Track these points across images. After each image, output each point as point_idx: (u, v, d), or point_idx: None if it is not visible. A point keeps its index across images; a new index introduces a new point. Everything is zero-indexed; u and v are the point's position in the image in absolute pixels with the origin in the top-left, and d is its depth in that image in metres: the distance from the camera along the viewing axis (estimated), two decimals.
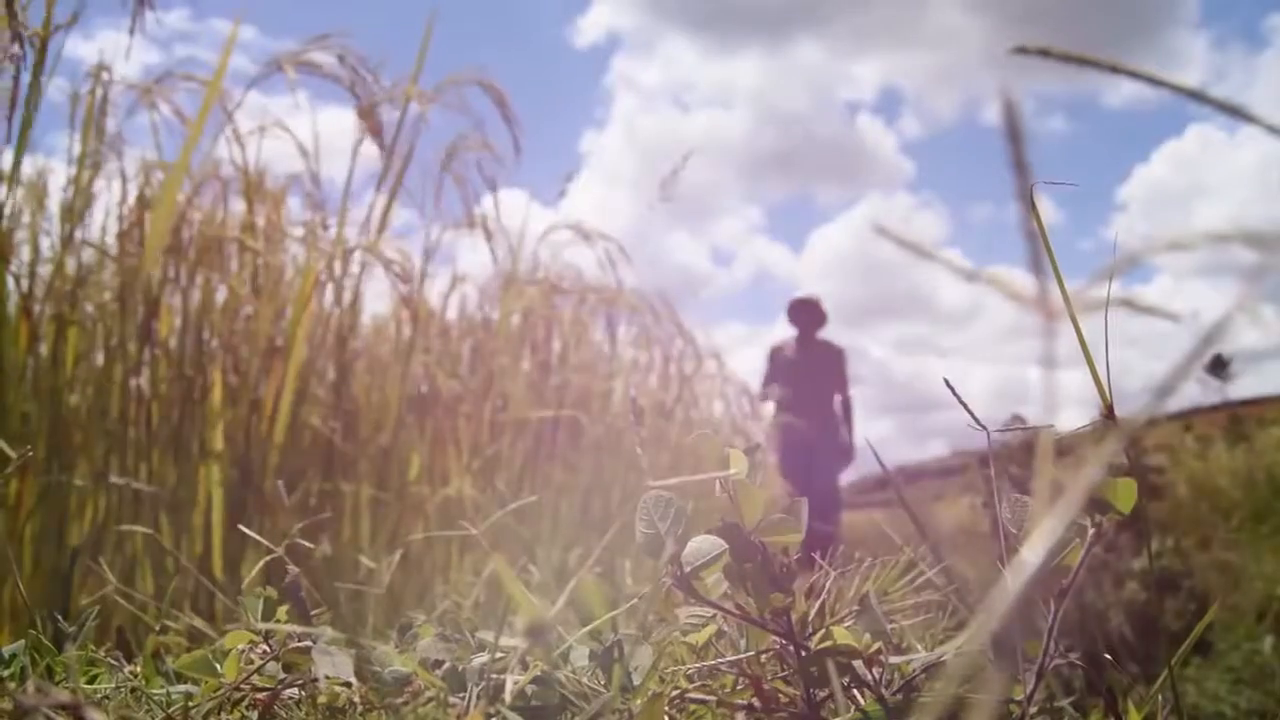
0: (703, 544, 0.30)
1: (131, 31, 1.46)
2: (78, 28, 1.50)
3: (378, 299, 2.95)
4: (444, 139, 2.13)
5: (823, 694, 0.33)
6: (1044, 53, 0.16)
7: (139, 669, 0.59)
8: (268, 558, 0.63)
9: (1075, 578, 0.24)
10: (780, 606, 0.32)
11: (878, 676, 0.31)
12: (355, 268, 2.09)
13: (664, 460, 2.96)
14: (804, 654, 0.32)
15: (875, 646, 0.30)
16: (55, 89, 1.49)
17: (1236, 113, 0.17)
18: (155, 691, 0.54)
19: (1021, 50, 0.16)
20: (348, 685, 0.43)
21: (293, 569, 0.57)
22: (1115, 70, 0.17)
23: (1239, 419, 3.95)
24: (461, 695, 0.37)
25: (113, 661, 0.60)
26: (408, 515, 2.17)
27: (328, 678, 0.41)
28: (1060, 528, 0.11)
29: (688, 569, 0.30)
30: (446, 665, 0.37)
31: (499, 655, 0.33)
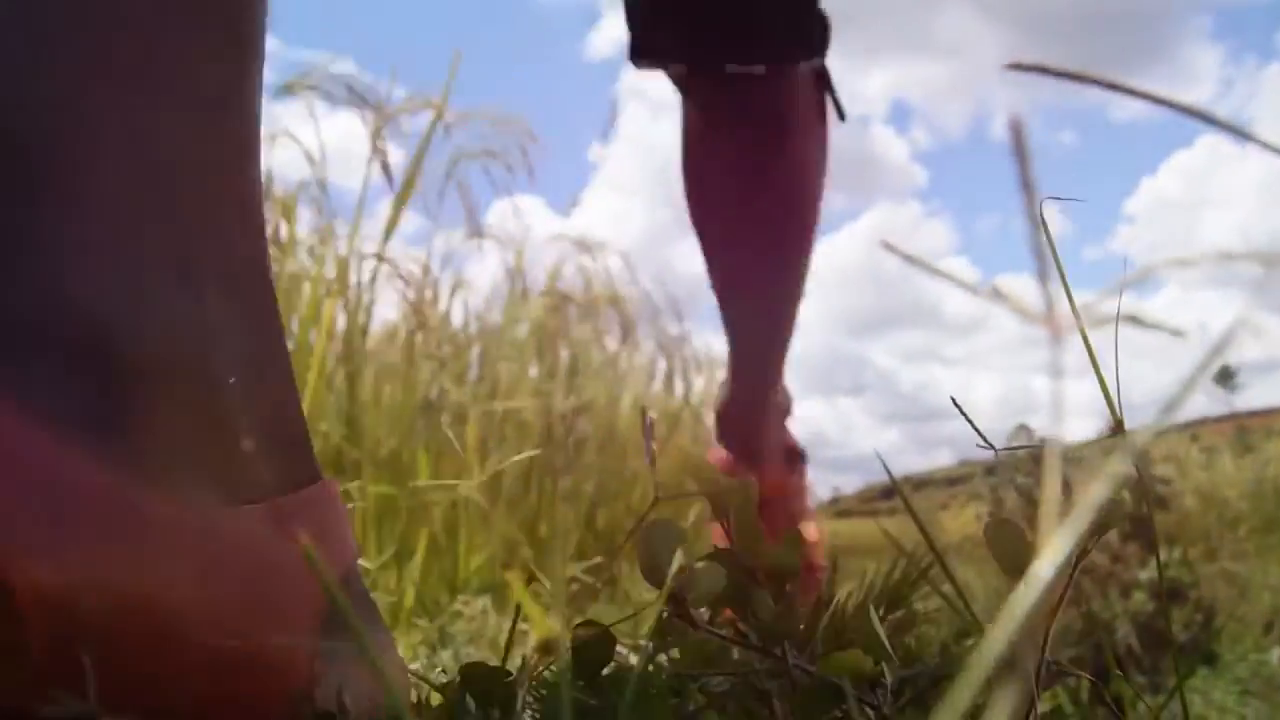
0: (703, 572, 0.31)
1: None
2: None
3: (387, 306, 2.95)
4: (455, 144, 2.14)
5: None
6: (1041, 69, 0.16)
7: None
8: None
9: (1068, 588, 0.25)
10: (779, 632, 0.32)
11: (880, 697, 0.31)
12: (365, 275, 2.10)
13: (669, 467, 2.96)
14: (806, 676, 0.32)
15: (879, 667, 0.30)
16: None
17: (1238, 132, 0.18)
18: None
19: (1017, 67, 0.16)
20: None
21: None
22: (1113, 87, 0.17)
23: (1246, 430, 3.92)
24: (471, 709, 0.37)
25: None
26: (414, 520, 2.17)
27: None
28: (1069, 545, 0.11)
29: (687, 597, 0.30)
30: (454, 678, 0.38)
31: (509, 669, 0.33)
